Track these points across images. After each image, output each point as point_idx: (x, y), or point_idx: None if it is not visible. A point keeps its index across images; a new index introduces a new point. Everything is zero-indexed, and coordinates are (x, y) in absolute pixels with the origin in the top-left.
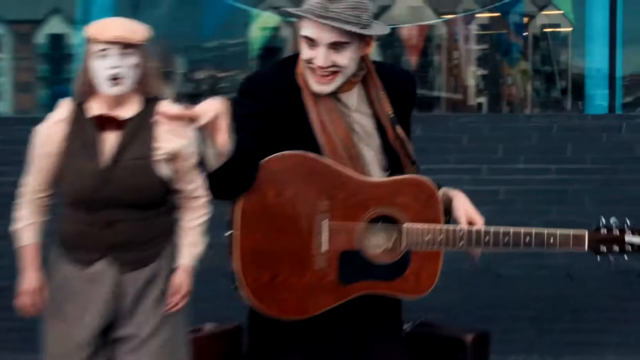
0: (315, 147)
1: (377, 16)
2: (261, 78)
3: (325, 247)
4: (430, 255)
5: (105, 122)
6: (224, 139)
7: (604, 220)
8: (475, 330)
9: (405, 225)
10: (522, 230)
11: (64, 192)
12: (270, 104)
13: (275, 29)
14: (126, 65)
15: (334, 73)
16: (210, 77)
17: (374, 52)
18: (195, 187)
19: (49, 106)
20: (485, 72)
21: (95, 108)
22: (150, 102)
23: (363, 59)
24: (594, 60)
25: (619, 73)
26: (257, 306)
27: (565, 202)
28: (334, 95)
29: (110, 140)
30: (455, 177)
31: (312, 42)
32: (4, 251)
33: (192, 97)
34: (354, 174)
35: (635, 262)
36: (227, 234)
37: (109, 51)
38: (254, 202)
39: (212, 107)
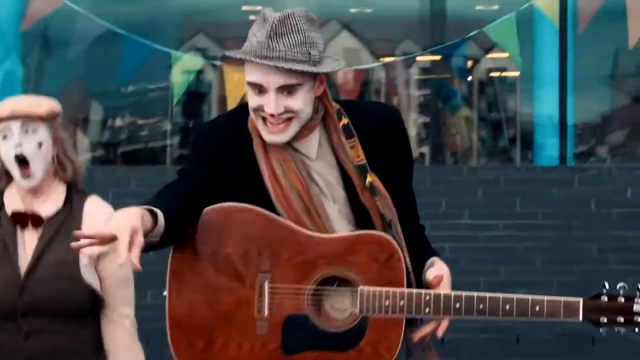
0: (267, 202)
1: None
2: (209, 129)
3: (266, 311)
4: (391, 324)
5: (23, 220)
6: (135, 256)
7: (607, 285)
8: None
9: (360, 288)
10: (501, 296)
11: None
12: (217, 156)
13: (199, 73)
14: (30, 143)
15: (288, 120)
16: (130, 125)
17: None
18: (123, 301)
19: None
20: (427, 119)
21: (12, 201)
22: (75, 194)
23: (321, 99)
24: (544, 107)
25: (570, 121)
26: None
27: (515, 261)
28: (289, 143)
29: (30, 240)
30: None
31: (259, 88)
32: None
33: (110, 146)
34: (303, 230)
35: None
36: (164, 293)
37: (11, 130)
38: (185, 259)
39: (122, 226)
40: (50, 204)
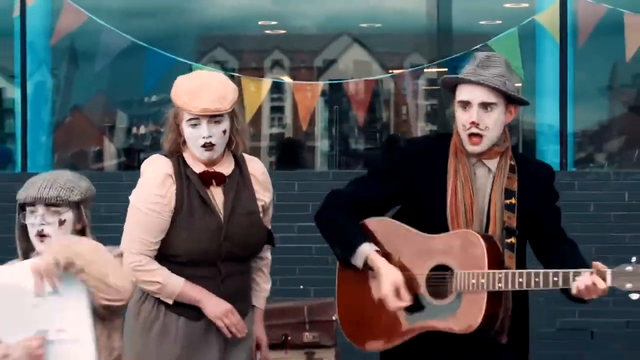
0: (442, 209)
1: (323, 70)
2: (418, 140)
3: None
4: (478, 296)
5: (209, 179)
6: None
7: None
8: None
9: (456, 271)
10: (550, 272)
11: (173, 248)
12: (415, 164)
13: None
14: (217, 132)
15: (481, 136)
16: (153, 132)
17: (322, 106)
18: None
19: None
20: (433, 127)
21: (194, 164)
22: (239, 158)
23: (505, 135)
24: (545, 116)
25: (570, 129)
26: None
27: None
28: (479, 160)
29: (217, 195)
30: None
31: (466, 105)
32: None
33: (134, 152)
34: (419, 233)
35: (588, 319)
36: None
37: (200, 122)
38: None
39: None
40: (225, 168)
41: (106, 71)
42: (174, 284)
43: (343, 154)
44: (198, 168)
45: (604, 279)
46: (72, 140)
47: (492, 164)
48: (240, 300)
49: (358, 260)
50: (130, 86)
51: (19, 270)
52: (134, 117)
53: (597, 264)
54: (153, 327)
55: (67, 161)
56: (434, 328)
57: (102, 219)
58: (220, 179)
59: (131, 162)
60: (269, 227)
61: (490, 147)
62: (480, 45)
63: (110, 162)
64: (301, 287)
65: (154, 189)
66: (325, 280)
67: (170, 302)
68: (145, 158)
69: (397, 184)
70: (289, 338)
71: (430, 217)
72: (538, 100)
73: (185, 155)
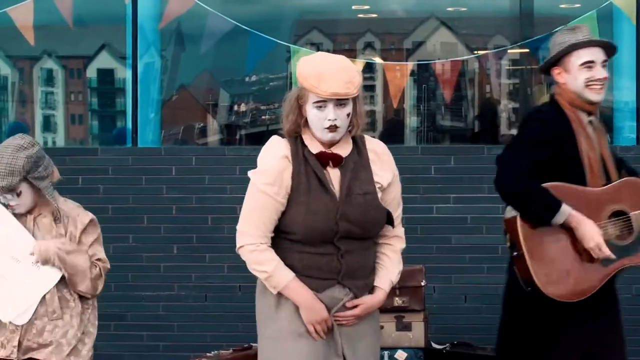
0: (580, 165)
1: (412, 52)
2: (543, 113)
3: None
4: None
5: (326, 160)
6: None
7: None
8: None
9: (631, 213)
10: None
11: (289, 225)
12: (553, 133)
13: None
14: (342, 114)
15: (603, 88)
16: (253, 110)
17: (411, 85)
18: (399, 214)
19: (99, 137)
20: (516, 105)
21: (313, 145)
22: (357, 137)
23: None
24: (622, 93)
25: None
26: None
27: None
28: (589, 122)
29: (334, 176)
30: (490, 206)
31: (591, 64)
32: None
33: (236, 128)
34: (590, 188)
35: None
36: (514, 254)
37: (327, 105)
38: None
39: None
40: (342, 149)
41: (210, 53)
42: (282, 278)
43: (430, 129)
44: (315, 149)
45: None
46: (179, 117)
47: (593, 116)
48: (363, 277)
49: (560, 218)
50: (232, 66)
51: (21, 234)
52: (235, 95)
53: None
54: (281, 306)
55: (174, 136)
56: (625, 265)
57: (207, 190)
58: (337, 160)
59: (233, 137)
60: (397, 206)
61: None
62: (561, 27)
63: (213, 137)
64: None
65: (270, 171)
66: (415, 248)
67: (275, 292)
68: (246, 134)
69: (548, 150)
70: None
71: (572, 173)
72: (615, 79)
73: (304, 136)
